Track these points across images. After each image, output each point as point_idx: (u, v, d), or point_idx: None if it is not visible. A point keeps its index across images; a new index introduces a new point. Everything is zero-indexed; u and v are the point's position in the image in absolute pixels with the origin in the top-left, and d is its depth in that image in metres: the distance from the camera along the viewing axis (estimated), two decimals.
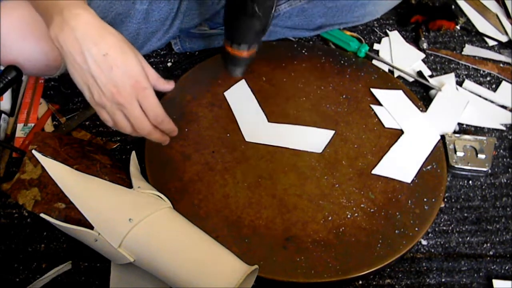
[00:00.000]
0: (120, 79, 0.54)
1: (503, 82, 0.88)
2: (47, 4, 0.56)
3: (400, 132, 0.77)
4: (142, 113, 0.58)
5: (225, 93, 0.81)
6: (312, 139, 0.75)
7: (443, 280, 0.65)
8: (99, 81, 0.54)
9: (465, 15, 1.00)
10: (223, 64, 0.74)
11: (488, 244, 0.69)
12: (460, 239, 0.69)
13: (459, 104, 0.83)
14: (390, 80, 0.85)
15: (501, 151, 0.79)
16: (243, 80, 0.82)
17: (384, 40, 0.94)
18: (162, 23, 0.82)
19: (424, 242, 0.68)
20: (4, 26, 0.66)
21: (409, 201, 0.69)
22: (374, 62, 0.89)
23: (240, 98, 0.80)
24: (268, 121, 0.77)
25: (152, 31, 0.82)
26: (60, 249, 0.67)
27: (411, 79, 0.88)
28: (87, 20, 0.54)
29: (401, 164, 0.72)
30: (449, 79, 0.87)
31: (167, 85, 0.63)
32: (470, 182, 0.75)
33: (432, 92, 0.85)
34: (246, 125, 0.76)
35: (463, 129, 0.81)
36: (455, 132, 0.79)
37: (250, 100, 0.80)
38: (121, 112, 0.57)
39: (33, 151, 0.57)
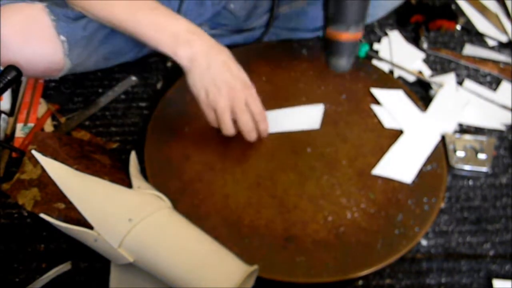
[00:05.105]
0: (234, 80, 0.66)
1: (503, 82, 0.88)
2: (161, 32, 0.66)
3: (400, 132, 0.77)
4: (247, 109, 0.68)
5: None
6: (305, 117, 0.76)
7: (443, 280, 0.65)
8: (218, 81, 0.65)
9: (465, 15, 1.00)
10: (327, 62, 0.74)
11: (488, 244, 0.69)
12: (460, 239, 0.69)
13: (459, 104, 0.82)
14: (390, 80, 0.85)
15: (501, 151, 0.79)
16: None
17: (384, 40, 0.94)
18: None
19: (424, 243, 0.68)
20: (5, 29, 0.66)
21: (409, 201, 0.69)
22: (374, 62, 0.89)
23: None
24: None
25: None
26: (60, 249, 0.67)
27: (411, 79, 0.88)
28: (208, 39, 0.67)
29: (401, 164, 0.72)
30: (449, 79, 0.87)
31: None
32: (470, 182, 0.75)
33: (432, 92, 0.85)
34: None
35: (463, 129, 0.81)
36: (455, 132, 0.79)
37: None
38: (229, 113, 0.66)
39: (33, 151, 0.57)
